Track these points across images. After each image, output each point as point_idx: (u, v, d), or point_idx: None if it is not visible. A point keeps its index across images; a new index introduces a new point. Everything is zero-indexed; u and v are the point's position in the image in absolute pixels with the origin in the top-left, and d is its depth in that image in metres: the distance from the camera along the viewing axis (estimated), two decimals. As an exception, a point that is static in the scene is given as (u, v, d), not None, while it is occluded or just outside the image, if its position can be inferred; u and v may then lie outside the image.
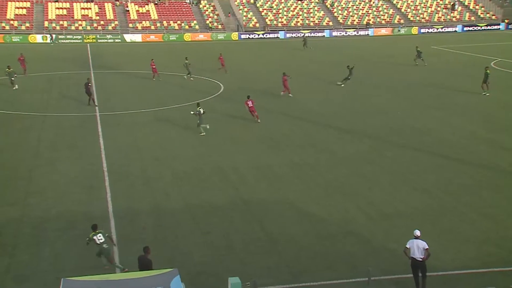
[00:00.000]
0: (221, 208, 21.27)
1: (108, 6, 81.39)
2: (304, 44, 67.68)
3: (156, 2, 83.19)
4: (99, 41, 74.15)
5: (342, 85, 43.96)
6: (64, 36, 74.13)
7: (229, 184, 23.77)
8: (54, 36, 71.94)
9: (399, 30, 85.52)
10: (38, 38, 72.65)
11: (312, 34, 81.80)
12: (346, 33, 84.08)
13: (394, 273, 16.29)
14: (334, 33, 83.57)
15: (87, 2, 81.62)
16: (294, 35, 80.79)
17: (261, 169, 25.52)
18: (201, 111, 30.56)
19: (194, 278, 16.00)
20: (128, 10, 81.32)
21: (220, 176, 24.65)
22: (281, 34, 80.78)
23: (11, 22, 75.23)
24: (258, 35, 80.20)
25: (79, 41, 73.72)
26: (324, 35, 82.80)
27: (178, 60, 58.37)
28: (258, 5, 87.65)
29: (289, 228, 19.60)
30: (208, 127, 30.76)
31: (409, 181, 23.82)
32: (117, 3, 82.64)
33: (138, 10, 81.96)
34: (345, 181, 23.99)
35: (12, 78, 42.52)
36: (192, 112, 31.33)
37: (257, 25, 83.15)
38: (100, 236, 16.76)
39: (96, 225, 17.16)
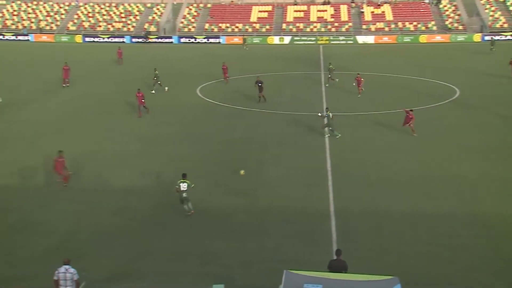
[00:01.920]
0: (446, 218, 20.14)
1: (344, 8, 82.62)
2: (492, 45, 63.32)
3: (383, 2, 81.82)
4: (331, 42, 75.68)
5: None
6: (299, 38, 77.36)
7: (455, 194, 22.43)
8: (247, 39, 74.37)
9: None
10: (276, 40, 76.93)
11: None
12: None
13: None
14: None
15: (323, 4, 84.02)
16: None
17: (491, 181, 23.64)
18: (330, 115, 30.09)
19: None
20: (363, 12, 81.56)
21: (445, 184, 23.40)
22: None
23: (253, 25, 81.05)
24: (506, 36, 73.05)
25: (312, 42, 76.23)
26: None
27: (411, 62, 56.84)
28: (508, 3, 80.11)
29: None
30: (338, 136, 29.83)
31: None
32: (353, 4, 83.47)
33: (373, 12, 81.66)
34: None
35: (158, 81, 43.53)
36: (319, 114, 31.53)
37: (505, 25, 76.16)
38: (185, 185, 18.85)
39: (185, 174, 19.17)
